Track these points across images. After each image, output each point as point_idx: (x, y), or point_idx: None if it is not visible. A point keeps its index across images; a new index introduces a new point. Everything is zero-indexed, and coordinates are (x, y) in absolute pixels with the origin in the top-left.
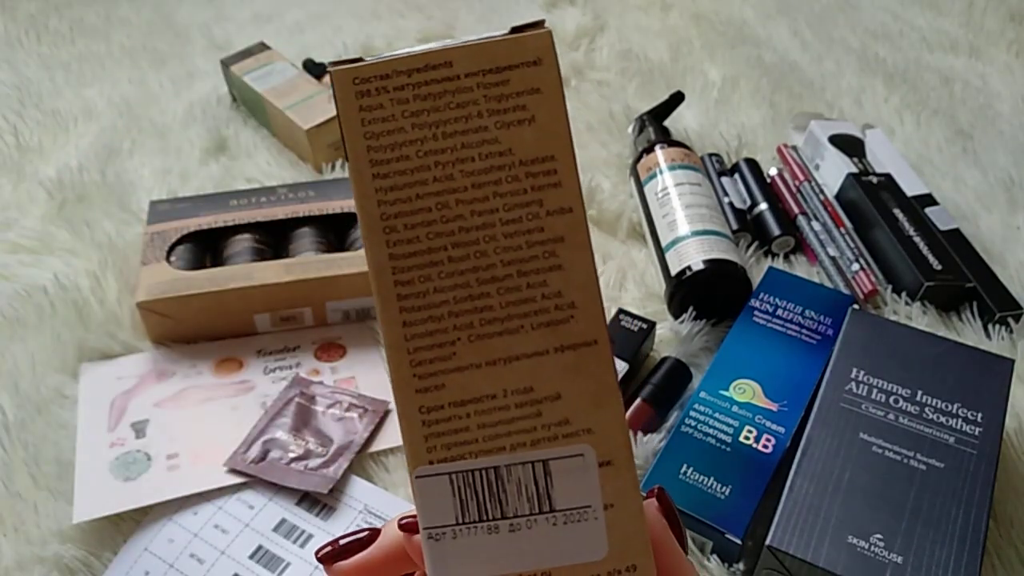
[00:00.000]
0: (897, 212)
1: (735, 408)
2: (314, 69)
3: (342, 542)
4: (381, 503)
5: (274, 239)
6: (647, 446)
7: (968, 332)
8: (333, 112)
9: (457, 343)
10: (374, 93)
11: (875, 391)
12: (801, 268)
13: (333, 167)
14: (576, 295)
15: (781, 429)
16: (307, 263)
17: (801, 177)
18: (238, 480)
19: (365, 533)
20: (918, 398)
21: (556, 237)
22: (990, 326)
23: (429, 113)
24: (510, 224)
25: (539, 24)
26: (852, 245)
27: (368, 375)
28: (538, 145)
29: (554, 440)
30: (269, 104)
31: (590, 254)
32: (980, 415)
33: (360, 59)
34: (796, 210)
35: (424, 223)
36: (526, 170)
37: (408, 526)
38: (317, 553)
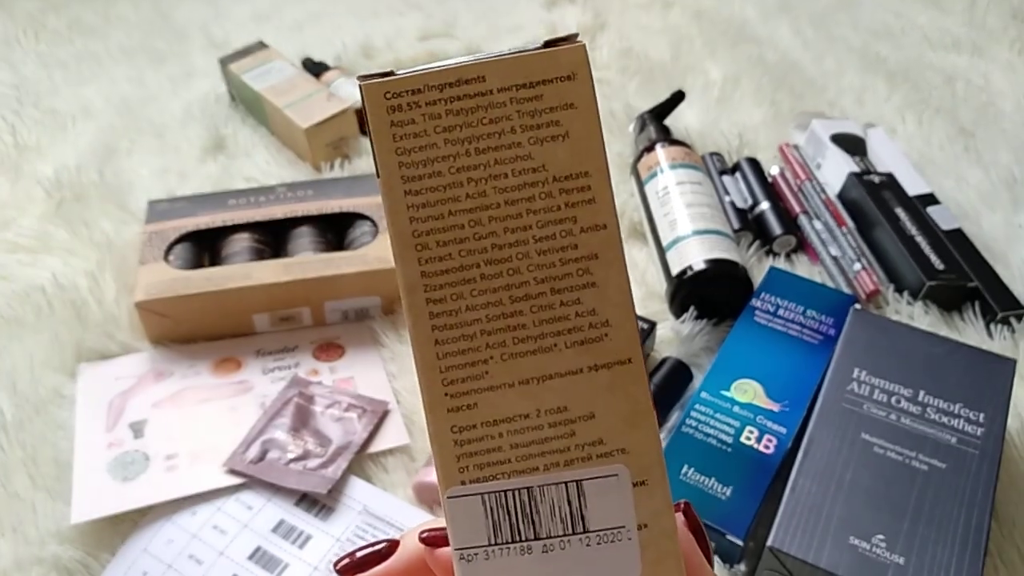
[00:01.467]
0: (899, 211)
1: (736, 408)
2: (313, 68)
3: (359, 554)
4: (380, 504)
5: (273, 238)
6: None
7: (970, 332)
8: (332, 111)
9: (490, 362)
10: (406, 108)
11: (877, 391)
12: (803, 268)
13: (332, 166)
14: (610, 313)
15: (783, 429)
16: (306, 263)
17: (803, 176)
18: (237, 481)
19: (383, 545)
20: (920, 398)
21: (590, 254)
22: (992, 326)
23: (462, 128)
24: (543, 241)
25: (573, 38)
26: (854, 244)
27: (367, 375)
28: (572, 161)
29: (588, 460)
30: (268, 103)
31: (624, 271)
32: (982, 415)
33: (391, 72)
34: (798, 209)
35: (456, 240)
36: (560, 186)
37: (430, 540)
38: (335, 565)
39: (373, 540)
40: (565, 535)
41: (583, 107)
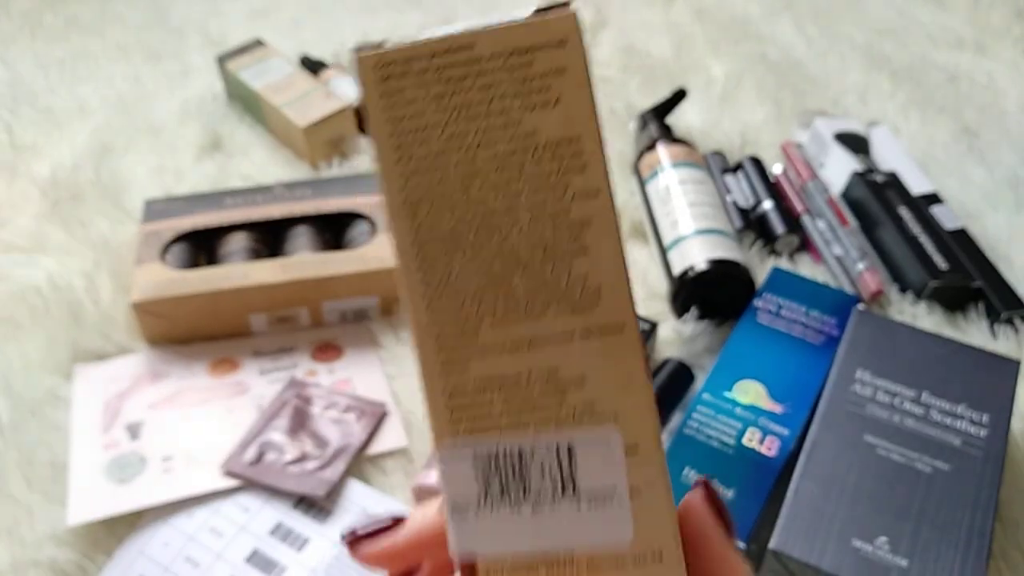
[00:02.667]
0: (902, 211)
1: (738, 410)
2: (311, 65)
3: (368, 527)
4: (379, 507)
5: (270, 238)
6: None
7: (974, 332)
8: (330, 109)
9: (481, 326)
10: (397, 77)
11: (880, 392)
12: (806, 267)
13: (331, 165)
14: (603, 279)
15: (785, 431)
16: (303, 263)
17: (805, 175)
18: (234, 483)
19: (390, 520)
20: (923, 399)
21: (583, 220)
22: (996, 326)
23: (452, 96)
24: (535, 207)
25: (565, 5)
26: (857, 244)
27: (365, 376)
28: (563, 126)
29: (579, 423)
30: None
31: (618, 237)
32: (986, 417)
33: (383, 44)
34: (800, 209)
35: (448, 207)
36: (551, 152)
37: (417, 492)
38: (343, 538)
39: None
40: (555, 496)
41: (574, 73)
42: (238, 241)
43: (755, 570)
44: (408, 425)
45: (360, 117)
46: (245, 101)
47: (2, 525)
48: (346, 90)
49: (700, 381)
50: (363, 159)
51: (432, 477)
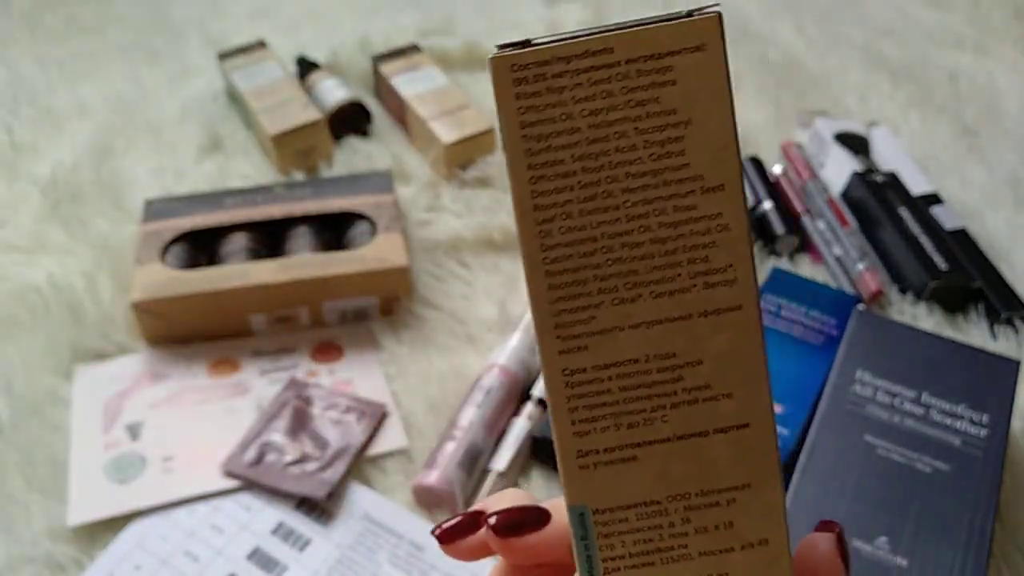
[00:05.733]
0: (903, 211)
1: None
2: (305, 66)
3: (512, 514)
4: (380, 508)
5: (270, 238)
6: None
7: (974, 333)
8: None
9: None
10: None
11: (880, 392)
12: (805, 268)
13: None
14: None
15: (785, 431)
16: (303, 263)
17: (806, 175)
18: (234, 484)
19: (535, 512)
20: (923, 400)
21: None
22: (996, 326)
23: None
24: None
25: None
26: (857, 245)
27: (366, 377)
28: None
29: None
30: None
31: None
32: (986, 417)
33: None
34: (800, 209)
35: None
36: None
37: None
38: (489, 521)
39: (526, 505)
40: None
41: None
42: (238, 241)
43: None
44: (408, 426)
45: (333, 127)
46: (236, 102)
47: (0, 524)
48: (329, 94)
49: None
50: (333, 171)
51: (432, 477)
